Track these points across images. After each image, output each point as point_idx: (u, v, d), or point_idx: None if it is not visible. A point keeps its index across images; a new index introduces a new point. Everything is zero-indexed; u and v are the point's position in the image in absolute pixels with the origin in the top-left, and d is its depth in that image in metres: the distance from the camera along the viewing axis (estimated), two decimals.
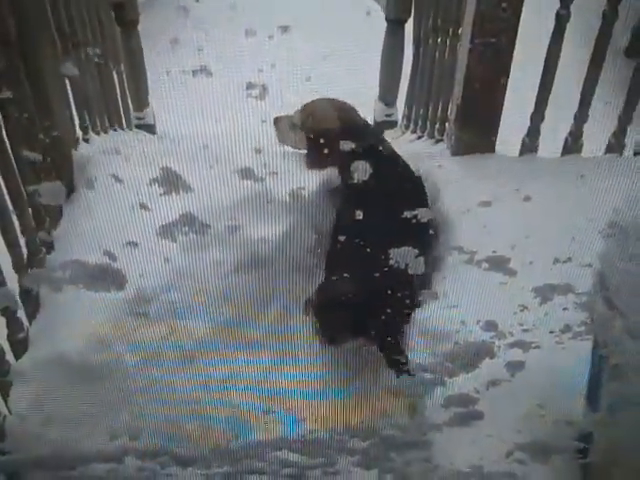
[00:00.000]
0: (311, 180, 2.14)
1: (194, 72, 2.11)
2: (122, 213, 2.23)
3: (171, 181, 1.90)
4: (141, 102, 5.29)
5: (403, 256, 2.31)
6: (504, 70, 4.31)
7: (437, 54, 4.91)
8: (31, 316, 3.55)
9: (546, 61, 4.42)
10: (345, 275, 3.05)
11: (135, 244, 2.13)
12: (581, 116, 4.56)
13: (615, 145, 4.60)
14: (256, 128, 2.13)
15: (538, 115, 4.58)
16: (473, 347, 2.21)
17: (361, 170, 2.16)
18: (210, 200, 2.15)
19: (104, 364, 3.05)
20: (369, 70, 5.16)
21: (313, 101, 3.90)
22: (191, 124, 2.34)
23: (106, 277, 1.77)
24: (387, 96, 5.60)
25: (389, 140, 4.48)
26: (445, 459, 2.27)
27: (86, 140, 4.57)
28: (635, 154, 4.68)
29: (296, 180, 2.16)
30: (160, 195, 1.91)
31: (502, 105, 4.42)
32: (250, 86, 1.89)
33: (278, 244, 2.62)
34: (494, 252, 2.33)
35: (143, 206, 2.13)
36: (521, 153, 4.67)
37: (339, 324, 3.08)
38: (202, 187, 2.09)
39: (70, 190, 4.04)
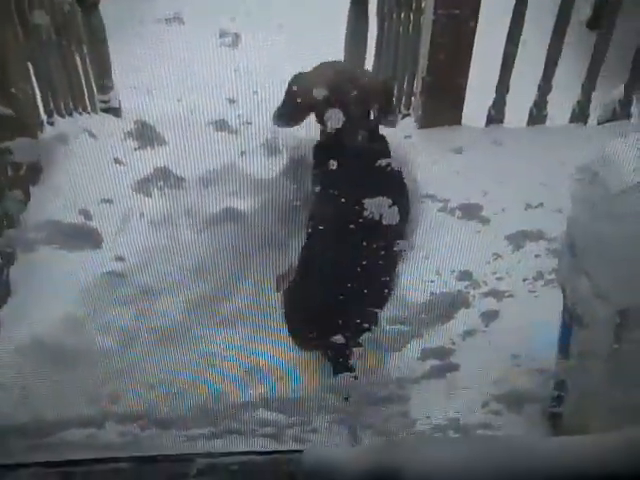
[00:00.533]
0: (286, 130, 2.13)
1: (167, 21, 2.10)
2: (97, 169, 2.21)
3: (145, 135, 1.89)
4: (105, 84, 5.23)
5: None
6: (468, 41, 4.34)
7: (401, 28, 4.90)
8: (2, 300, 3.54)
9: (509, 32, 4.45)
10: (318, 279, 3.06)
11: (110, 201, 2.11)
12: (545, 86, 4.60)
13: (579, 114, 4.64)
14: (229, 78, 2.13)
15: (503, 86, 4.61)
16: (448, 297, 2.22)
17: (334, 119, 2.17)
18: (185, 153, 2.13)
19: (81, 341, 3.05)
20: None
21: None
22: (163, 75, 2.32)
23: (81, 236, 1.75)
24: None
25: None
26: (422, 413, 2.29)
27: (51, 123, 4.52)
28: (599, 123, 4.74)
29: (271, 130, 2.15)
30: (134, 149, 1.90)
31: (467, 77, 4.44)
32: (223, 34, 1.88)
33: (253, 196, 2.62)
34: (467, 199, 2.34)
35: (118, 161, 2.12)
36: (487, 124, 4.70)
37: (307, 331, 3.08)
38: (176, 140, 2.08)
39: (37, 172, 4.00)
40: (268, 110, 2.24)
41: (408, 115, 5.00)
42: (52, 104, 4.58)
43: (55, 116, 4.59)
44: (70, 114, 4.75)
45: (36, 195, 3.84)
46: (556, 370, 2.43)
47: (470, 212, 2.24)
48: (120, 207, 2.16)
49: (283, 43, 3.64)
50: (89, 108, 5.06)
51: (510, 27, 4.43)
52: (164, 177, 1.92)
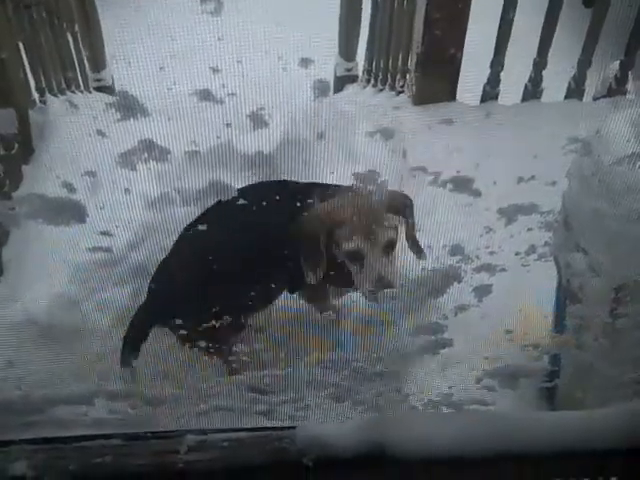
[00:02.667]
0: (271, 101, 2.09)
1: None
2: (79, 142, 2.18)
3: (128, 105, 1.85)
4: (98, 63, 5.19)
5: None
6: (463, 17, 4.30)
7: (395, 5, 4.86)
8: None
9: (504, 7, 4.42)
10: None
11: (93, 173, 2.09)
12: (540, 62, 4.58)
13: (575, 90, 4.62)
14: (212, 46, 2.09)
15: (498, 62, 4.58)
16: (440, 272, 2.20)
17: None
18: (168, 124, 2.09)
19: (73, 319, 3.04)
20: None
21: None
22: (145, 43, 2.28)
23: (65, 210, 1.73)
24: (347, 50, 5.54)
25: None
26: (414, 388, 2.28)
27: (43, 102, 4.50)
28: (594, 99, 4.72)
29: (256, 101, 2.11)
30: (117, 121, 1.87)
31: (462, 52, 4.41)
32: (204, 1, 1.84)
33: (239, 170, 2.59)
34: (458, 172, 2.31)
35: (100, 133, 2.09)
36: (482, 100, 4.68)
37: None
38: (160, 111, 2.04)
39: (29, 151, 3.99)
40: (252, 80, 2.19)
41: (402, 92, 4.97)
42: (44, 83, 4.55)
43: (47, 95, 4.56)
44: (63, 93, 4.73)
45: (28, 174, 3.82)
46: (550, 345, 2.43)
47: (461, 185, 2.22)
48: (104, 180, 2.12)
49: (268, 10, 3.58)
50: (82, 87, 5.03)
51: (505, 2, 4.39)
52: (148, 149, 1.88)
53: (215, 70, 2.06)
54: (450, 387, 2.21)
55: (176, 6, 2.26)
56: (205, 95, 2.00)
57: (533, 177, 2.34)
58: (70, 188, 1.89)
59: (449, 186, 2.25)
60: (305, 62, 2.15)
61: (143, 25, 2.53)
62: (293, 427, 1.88)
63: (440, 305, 2.25)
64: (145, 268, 3.12)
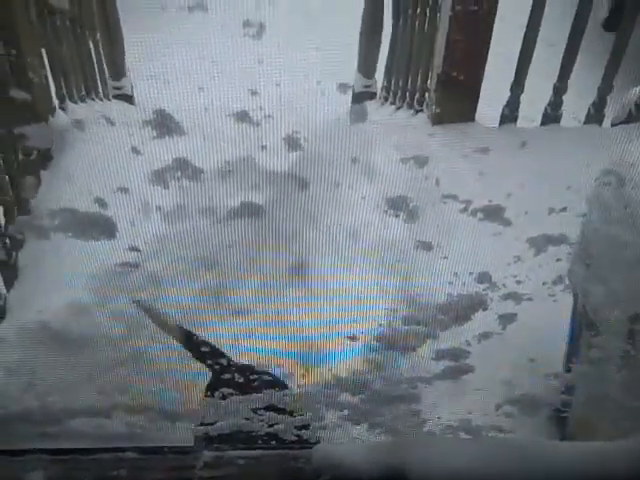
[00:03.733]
0: (308, 125, 2.08)
1: (190, 8, 2.05)
2: (113, 158, 2.18)
3: (164, 124, 1.86)
4: (118, 71, 5.22)
5: None
6: (485, 38, 4.32)
7: (417, 24, 4.87)
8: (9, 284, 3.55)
9: (527, 31, 4.43)
10: None
11: (126, 190, 2.09)
12: (561, 86, 4.57)
13: (595, 115, 4.62)
14: (252, 69, 2.09)
15: (518, 85, 4.59)
16: (466, 299, 2.19)
17: None
18: (204, 144, 2.09)
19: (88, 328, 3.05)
20: None
21: None
22: (185, 63, 2.27)
23: (96, 225, 1.73)
24: (366, 67, 5.56)
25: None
26: (433, 413, 2.27)
27: (63, 108, 4.51)
28: (612, 125, 4.71)
29: (292, 124, 2.10)
30: (153, 138, 1.87)
31: (482, 74, 4.42)
32: (247, 24, 1.84)
33: (271, 192, 2.58)
34: (490, 201, 2.30)
35: (135, 150, 2.09)
36: (501, 123, 4.68)
37: None
38: (196, 130, 2.05)
39: (48, 158, 4.00)
40: (290, 103, 2.19)
41: (421, 111, 4.97)
42: (64, 89, 4.57)
43: (67, 102, 4.58)
44: (83, 100, 4.75)
45: (47, 181, 3.83)
46: (564, 374, 2.41)
47: (492, 214, 2.21)
48: (136, 197, 2.12)
49: (309, 33, 3.58)
50: (102, 94, 5.05)
51: (527, 26, 4.40)
52: (182, 168, 1.88)
53: (253, 92, 2.07)
54: (469, 412, 2.20)
55: (218, 28, 2.26)
56: (242, 117, 2.00)
57: (564, 209, 2.33)
58: (102, 204, 1.89)
59: (479, 215, 2.24)
60: (343, 87, 2.15)
61: (184, 45, 2.53)
62: (310, 447, 1.87)
63: (463, 331, 2.24)
64: (159, 278, 3.13)
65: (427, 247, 2.48)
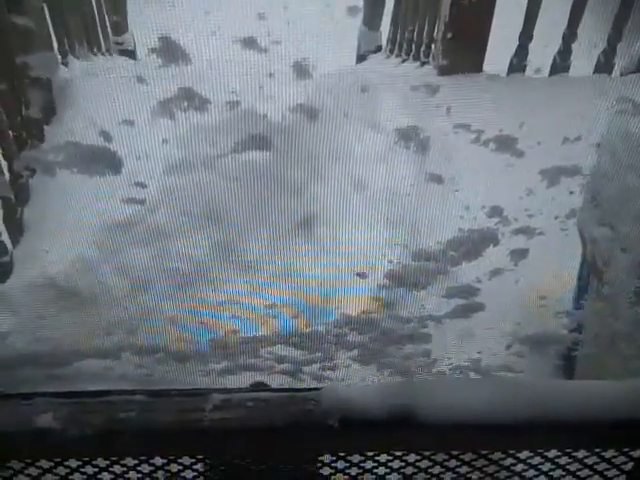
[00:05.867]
0: (317, 50, 2.03)
1: None
2: (118, 88, 2.14)
3: (170, 51, 1.81)
4: (120, 26, 5.15)
5: None
6: None
7: None
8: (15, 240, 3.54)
9: None
10: None
11: (131, 122, 2.05)
12: (570, 35, 4.50)
13: (605, 65, 4.55)
14: None
15: (526, 34, 4.52)
16: (477, 234, 2.16)
17: None
18: (210, 72, 2.04)
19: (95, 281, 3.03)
20: None
21: None
22: None
23: (101, 159, 1.70)
24: (371, 20, 5.48)
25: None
26: (443, 353, 2.26)
27: (65, 64, 4.47)
28: (621, 75, 4.64)
29: (301, 50, 2.05)
30: (158, 67, 1.83)
31: (490, 22, 4.34)
32: None
33: (278, 124, 2.53)
34: (501, 131, 2.26)
35: (140, 79, 2.04)
36: (509, 73, 4.62)
37: None
38: (202, 58, 2.00)
39: (51, 112, 3.97)
40: (299, 28, 2.14)
41: (427, 63, 4.91)
42: (67, 45, 4.52)
43: (69, 57, 4.53)
44: (85, 56, 4.70)
45: (50, 132, 3.80)
46: (575, 312, 2.39)
47: (504, 145, 2.17)
48: (142, 129, 2.08)
49: None
50: (104, 49, 4.99)
51: None
52: (188, 98, 1.84)
53: (261, 16, 2.01)
54: (479, 352, 2.19)
55: None
56: (249, 43, 1.96)
57: (579, 138, 2.28)
58: (106, 137, 1.86)
59: (492, 145, 2.20)
60: (353, 10, 2.10)
61: None
62: (318, 388, 1.86)
63: (474, 267, 2.21)
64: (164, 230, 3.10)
65: (437, 180, 2.44)
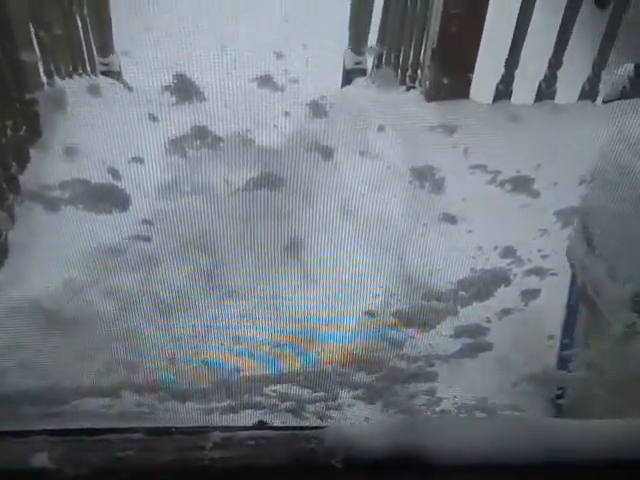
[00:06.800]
0: (335, 89, 2.01)
1: None
2: (129, 125, 2.09)
3: (184, 89, 1.78)
4: (106, 47, 5.12)
5: None
6: (481, 14, 4.26)
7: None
8: None
9: (522, 6, 4.38)
10: None
11: (141, 160, 2.01)
12: (555, 62, 4.53)
13: (589, 91, 4.58)
14: (278, 28, 2.01)
15: (513, 61, 4.54)
16: (489, 274, 2.14)
17: None
18: (225, 111, 2.01)
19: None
20: None
21: None
22: (208, 20, 2.17)
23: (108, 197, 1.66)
24: (357, 44, 5.48)
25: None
26: (449, 391, 2.23)
27: (50, 84, 4.44)
28: (604, 102, 4.68)
29: (318, 89, 2.03)
30: (172, 105, 1.79)
31: (478, 50, 4.37)
32: None
33: (291, 162, 2.50)
34: (518, 172, 2.24)
35: (152, 117, 2.00)
36: (495, 100, 4.63)
37: None
38: (217, 96, 1.96)
39: (37, 135, 3.94)
40: (317, 66, 2.12)
41: (413, 87, 4.92)
42: (52, 65, 4.49)
43: (55, 77, 4.51)
44: (70, 76, 4.67)
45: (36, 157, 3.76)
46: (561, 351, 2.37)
47: (521, 185, 2.16)
48: (151, 168, 2.04)
49: None
50: (89, 70, 4.97)
51: (522, 2, 4.35)
52: (201, 136, 1.81)
53: (279, 55, 1.99)
54: (485, 390, 2.17)
55: None
56: (266, 81, 1.93)
57: (595, 179, 2.28)
58: (115, 174, 1.82)
59: (507, 186, 2.19)
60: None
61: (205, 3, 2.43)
62: (322, 427, 1.83)
63: (485, 307, 2.19)
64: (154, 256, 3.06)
65: (451, 221, 2.42)
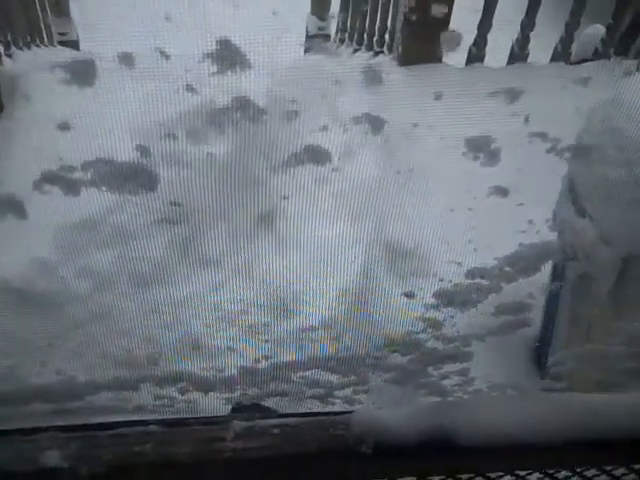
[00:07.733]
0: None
1: None
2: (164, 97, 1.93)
3: (227, 57, 1.63)
4: (61, 13, 4.95)
5: None
6: None
7: None
8: None
9: None
10: None
11: (174, 136, 1.86)
12: (528, 23, 4.47)
13: (562, 53, 4.54)
14: None
15: (486, 24, 4.47)
16: (537, 249, 2.06)
17: None
18: (271, 79, 1.86)
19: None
20: None
21: None
22: None
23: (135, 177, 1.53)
24: (320, 8, 5.37)
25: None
26: (482, 371, 2.16)
27: (9, 55, 4.28)
28: (572, 63, 4.64)
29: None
30: (211, 75, 1.64)
31: (451, 12, 4.29)
32: None
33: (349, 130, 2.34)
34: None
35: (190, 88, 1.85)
36: (467, 63, 4.57)
37: None
38: (263, 63, 1.80)
39: None
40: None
41: (382, 52, 4.83)
42: (10, 36, 4.33)
43: (12, 48, 4.34)
44: (28, 47, 4.50)
45: None
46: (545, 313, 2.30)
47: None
48: (185, 145, 1.89)
49: None
50: (46, 40, 4.80)
51: None
52: (242, 108, 1.67)
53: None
54: (519, 370, 2.11)
55: None
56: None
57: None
58: (144, 152, 1.69)
59: (566, 155, 2.09)
60: None
61: None
62: (348, 412, 1.75)
63: (530, 283, 2.11)
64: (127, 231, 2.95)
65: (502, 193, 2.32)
